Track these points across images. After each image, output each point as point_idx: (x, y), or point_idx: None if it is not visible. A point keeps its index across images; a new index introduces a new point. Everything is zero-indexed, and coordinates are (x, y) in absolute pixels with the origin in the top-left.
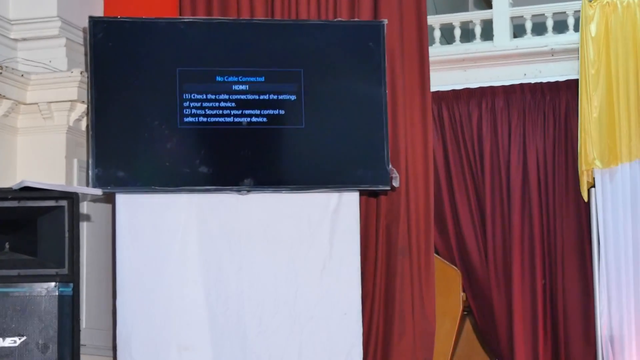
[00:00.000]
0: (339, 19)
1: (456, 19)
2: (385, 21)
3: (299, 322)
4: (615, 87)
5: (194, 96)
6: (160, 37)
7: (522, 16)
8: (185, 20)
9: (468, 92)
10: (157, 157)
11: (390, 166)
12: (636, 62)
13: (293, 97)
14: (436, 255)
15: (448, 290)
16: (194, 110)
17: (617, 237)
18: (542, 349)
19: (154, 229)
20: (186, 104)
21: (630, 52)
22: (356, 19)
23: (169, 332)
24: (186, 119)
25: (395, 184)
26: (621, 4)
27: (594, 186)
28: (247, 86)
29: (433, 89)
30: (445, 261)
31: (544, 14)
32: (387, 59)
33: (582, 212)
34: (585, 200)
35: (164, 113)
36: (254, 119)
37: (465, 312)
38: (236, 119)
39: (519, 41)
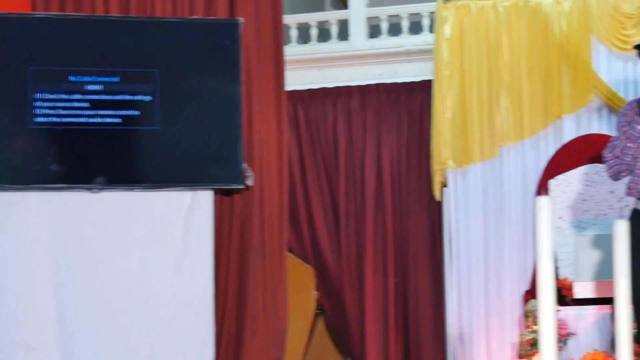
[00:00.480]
0: (195, 16)
1: (312, 18)
2: (242, 20)
3: (151, 321)
4: (468, 88)
5: (46, 96)
6: (11, 33)
7: (377, 17)
8: (37, 15)
9: (324, 91)
10: (6, 155)
11: (244, 165)
12: (489, 64)
13: (148, 98)
14: (290, 254)
15: (301, 289)
16: (45, 110)
17: (467, 236)
18: (394, 347)
19: (2, 227)
20: (38, 103)
21: (483, 53)
22: (212, 17)
23: (16, 332)
24: (37, 119)
25: (249, 182)
26: (475, 6)
27: (446, 186)
28: (102, 86)
29: (289, 88)
30: (299, 259)
31: (399, 15)
32: (243, 57)
33: (435, 211)
34: (438, 199)
35: (14, 112)
36: (108, 120)
37: (318, 311)
38: (90, 120)
39: (374, 41)
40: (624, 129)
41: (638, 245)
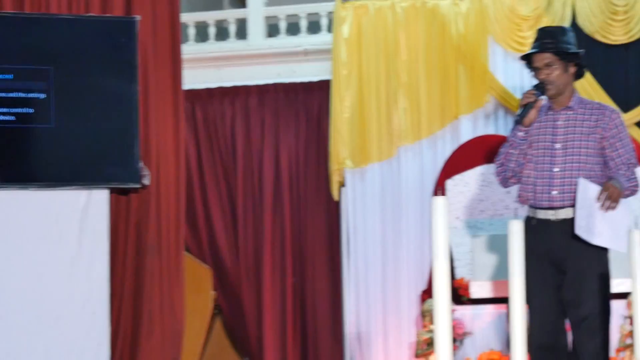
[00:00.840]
0: (91, 14)
1: (210, 17)
2: (138, 17)
3: (46, 321)
4: (366, 88)
5: None
6: None
7: (276, 16)
8: None
9: (222, 90)
10: None
11: (140, 164)
12: (387, 64)
13: (42, 96)
14: (187, 254)
15: (198, 289)
16: None
17: (365, 236)
18: (291, 346)
19: None
20: None
21: (381, 54)
22: (108, 15)
23: None
24: None
25: (146, 181)
26: (373, 6)
27: (344, 185)
28: None
29: (187, 87)
30: (196, 259)
31: (297, 15)
32: (140, 55)
33: (333, 211)
34: (336, 199)
35: None
36: (1, 118)
37: (216, 311)
38: None
39: (273, 41)
40: (509, 135)
41: (527, 251)
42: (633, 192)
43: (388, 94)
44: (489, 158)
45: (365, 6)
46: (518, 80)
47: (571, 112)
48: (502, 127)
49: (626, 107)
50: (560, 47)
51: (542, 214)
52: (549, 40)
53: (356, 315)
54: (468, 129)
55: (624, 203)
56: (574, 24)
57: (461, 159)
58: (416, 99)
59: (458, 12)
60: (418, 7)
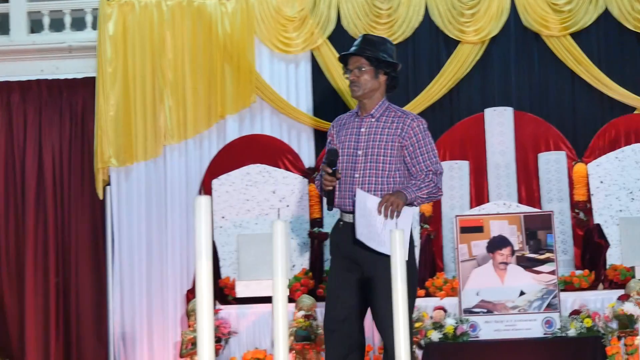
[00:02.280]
0: None
1: None
2: None
3: None
4: (132, 86)
5: None
6: None
7: (39, 11)
8: None
9: None
10: None
11: None
12: (153, 63)
13: None
14: None
15: None
16: None
17: (131, 235)
18: (54, 347)
19: None
20: None
21: (147, 51)
22: None
23: None
24: None
25: None
26: (139, 4)
27: (109, 184)
28: None
29: None
30: None
31: (62, 11)
32: None
33: (98, 210)
34: (101, 198)
35: None
36: None
37: None
38: None
39: (36, 37)
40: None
41: (334, 250)
42: (432, 198)
43: (154, 92)
44: (255, 158)
45: (131, 3)
46: (284, 80)
47: (374, 120)
48: (267, 127)
49: None
50: (374, 54)
51: (347, 217)
52: (366, 46)
53: (121, 315)
54: (234, 128)
55: (407, 213)
56: (339, 26)
57: (227, 159)
58: (182, 98)
59: (224, 12)
60: (184, 6)
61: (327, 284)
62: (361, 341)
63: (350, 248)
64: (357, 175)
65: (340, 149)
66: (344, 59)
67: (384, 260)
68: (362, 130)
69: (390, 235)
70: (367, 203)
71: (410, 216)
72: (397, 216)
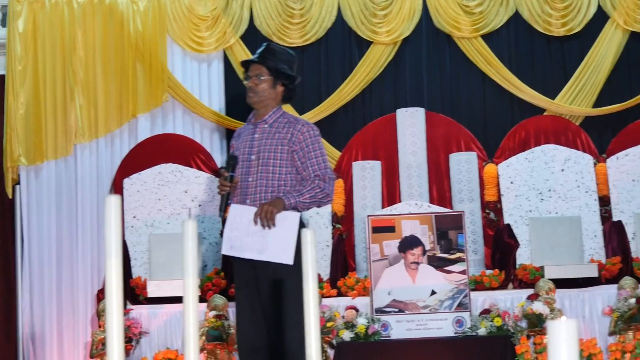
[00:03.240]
0: None
1: None
2: None
3: None
4: (42, 84)
5: None
6: None
7: None
8: None
9: None
10: None
11: None
12: (64, 61)
13: None
14: None
15: None
16: None
17: (41, 235)
18: None
19: None
20: None
21: (57, 49)
22: None
23: None
24: None
25: None
26: (49, 1)
27: (19, 183)
28: None
29: None
30: None
31: None
32: None
33: (7, 209)
34: (10, 197)
35: None
36: None
37: None
38: None
39: None
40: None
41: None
42: (321, 203)
43: (65, 90)
44: (167, 157)
45: (41, 1)
46: (196, 79)
47: (267, 126)
48: (179, 126)
49: (302, 110)
50: (274, 65)
51: None
52: (268, 55)
53: (30, 315)
54: (146, 127)
55: (291, 218)
56: (252, 25)
57: (139, 158)
58: (93, 96)
59: (136, 10)
60: (95, 4)
61: (235, 298)
62: (266, 343)
63: None
64: (250, 179)
65: (239, 154)
66: (245, 65)
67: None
68: (256, 136)
69: (302, 234)
70: (243, 216)
71: (294, 220)
72: (273, 222)
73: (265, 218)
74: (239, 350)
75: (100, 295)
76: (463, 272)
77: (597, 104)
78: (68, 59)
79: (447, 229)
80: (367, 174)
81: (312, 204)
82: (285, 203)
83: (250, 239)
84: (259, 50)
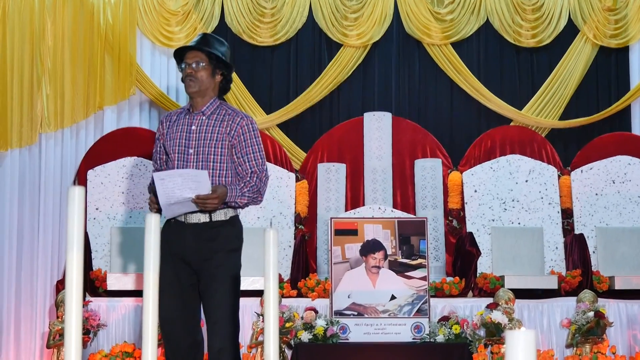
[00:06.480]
0: None
1: None
2: None
3: None
4: (9, 72)
5: None
6: None
7: None
8: None
9: None
10: None
11: None
12: (32, 49)
13: None
14: None
15: None
16: None
17: (2, 223)
18: None
19: None
20: None
21: (26, 38)
22: None
23: None
24: None
25: None
26: None
27: None
28: None
29: None
30: None
31: None
32: None
33: None
34: None
35: None
36: None
37: None
38: None
39: None
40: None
41: (165, 249)
42: (254, 202)
43: (32, 79)
44: (132, 150)
45: None
46: (165, 73)
47: (204, 117)
48: (145, 119)
49: (269, 110)
50: (214, 52)
51: (180, 217)
52: (207, 43)
53: None
54: (112, 120)
55: (200, 175)
56: (223, 22)
57: (104, 150)
58: (60, 86)
59: (107, 2)
60: None
61: (159, 293)
62: (197, 339)
63: (183, 247)
64: None
65: (172, 146)
66: (180, 53)
67: (222, 255)
68: (193, 127)
69: (265, 234)
70: (164, 181)
71: (205, 179)
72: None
73: (204, 205)
74: (159, 321)
75: (60, 285)
76: (424, 279)
77: (563, 117)
78: (37, 48)
79: (410, 234)
80: (332, 176)
81: (247, 204)
82: (227, 197)
83: (176, 195)
84: (196, 39)
